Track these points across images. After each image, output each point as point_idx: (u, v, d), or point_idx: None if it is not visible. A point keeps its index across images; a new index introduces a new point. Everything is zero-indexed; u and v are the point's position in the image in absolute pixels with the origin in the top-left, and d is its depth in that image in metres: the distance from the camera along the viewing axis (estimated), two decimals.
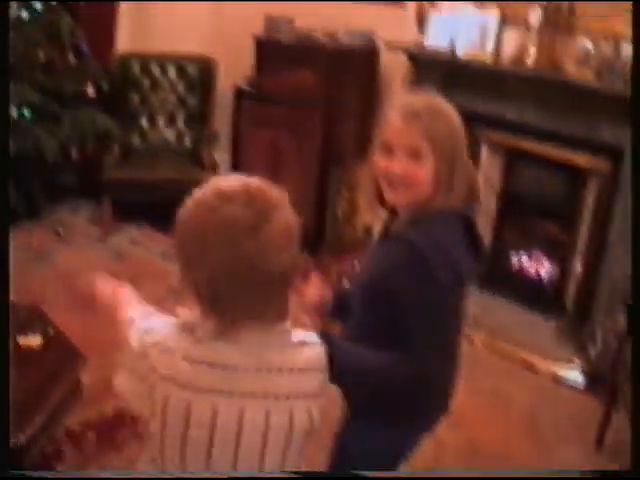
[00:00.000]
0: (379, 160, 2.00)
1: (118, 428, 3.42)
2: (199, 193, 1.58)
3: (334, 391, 1.84)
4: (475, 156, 4.62)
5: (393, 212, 2.11)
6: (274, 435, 1.60)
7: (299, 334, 1.67)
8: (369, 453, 2.14)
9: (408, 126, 1.93)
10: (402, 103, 2.01)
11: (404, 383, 1.91)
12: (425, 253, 1.88)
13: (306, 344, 1.67)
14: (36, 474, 2.39)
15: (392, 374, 1.92)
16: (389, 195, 2.01)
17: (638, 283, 2.34)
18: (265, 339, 1.59)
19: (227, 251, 1.48)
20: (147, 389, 1.55)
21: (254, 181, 1.62)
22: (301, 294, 2.26)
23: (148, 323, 1.68)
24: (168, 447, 1.58)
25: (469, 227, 2.02)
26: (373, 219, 5.25)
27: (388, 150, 1.97)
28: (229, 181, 1.59)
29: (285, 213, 1.58)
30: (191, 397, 1.53)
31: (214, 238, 1.48)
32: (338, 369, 1.73)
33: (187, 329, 1.58)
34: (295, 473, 1.67)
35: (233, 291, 1.51)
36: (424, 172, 1.93)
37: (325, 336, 1.76)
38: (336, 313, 2.31)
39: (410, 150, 1.93)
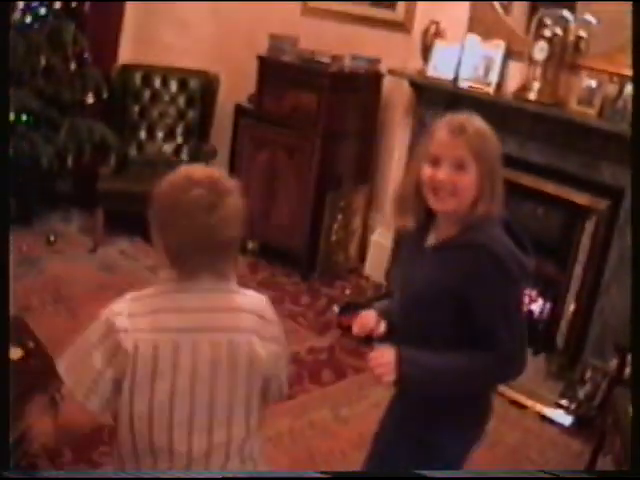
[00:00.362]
0: (426, 171, 2.18)
1: (95, 445, 3.37)
2: (173, 177, 2.00)
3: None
4: None
5: (427, 221, 2.29)
6: (223, 363, 1.98)
7: (243, 290, 2.11)
8: (456, 453, 2.37)
9: (454, 139, 2.14)
10: (448, 120, 2.21)
11: (504, 380, 2.33)
12: (501, 256, 2.11)
13: (247, 294, 2.11)
14: (36, 474, 2.34)
15: (495, 374, 2.25)
16: (434, 203, 2.18)
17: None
18: (215, 287, 2.03)
19: (192, 222, 1.92)
20: (112, 350, 1.91)
21: (215, 171, 2.05)
22: (355, 327, 2.48)
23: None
24: (138, 402, 1.93)
25: (510, 230, 2.24)
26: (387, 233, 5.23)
27: (435, 161, 2.16)
28: (196, 170, 2.03)
29: (236, 198, 2.01)
30: (157, 337, 1.93)
31: (183, 212, 1.93)
32: (440, 379, 2.16)
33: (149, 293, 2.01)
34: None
35: (194, 252, 1.95)
36: (467, 181, 2.14)
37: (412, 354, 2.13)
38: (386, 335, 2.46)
39: (455, 161, 2.13)
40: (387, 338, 2.38)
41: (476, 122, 2.20)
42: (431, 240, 2.28)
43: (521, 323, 2.21)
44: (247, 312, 2.06)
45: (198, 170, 2.02)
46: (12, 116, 5.08)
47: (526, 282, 2.28)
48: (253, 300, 2.11)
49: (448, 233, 2.21)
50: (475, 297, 2.12)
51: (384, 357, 2.15)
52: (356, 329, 2.46)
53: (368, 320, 2.45)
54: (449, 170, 2.13)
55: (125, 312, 1.94)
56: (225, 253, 2.02)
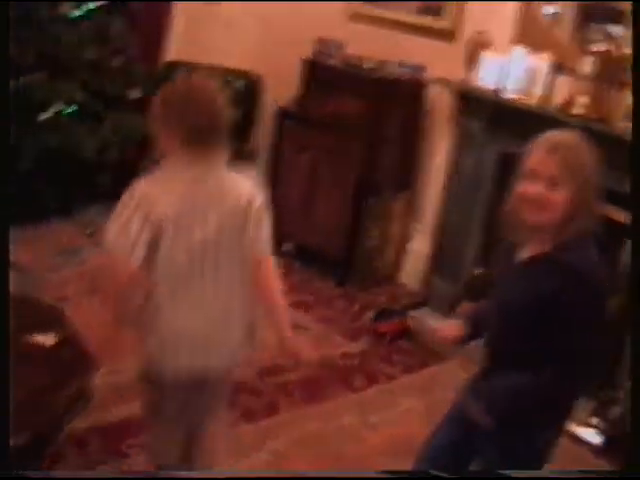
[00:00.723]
0: (522, 186, 2.29)
1: (124, 436, 3.39)
2: (180, 81, 2.57)
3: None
4: None
5: (526, 236, 2.37)
6: (225, 228, 2.50)
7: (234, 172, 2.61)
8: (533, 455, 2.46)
9: (548, 157, 2.23)
10: (545, 137, 2.31)
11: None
12: (590, 274, 2.20)
13: (239, 175, 2.64)
14: (36, 474, 2.36)
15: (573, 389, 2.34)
16: (526, 216, 2.28)
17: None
18: (216, 164, 2.53)
19: (199, 112, 2.44)
20: (146, 218, 2.35)
21: (210, 82, 2.58)
22: (439, 333, 2.75)
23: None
24: (165, 257, 2.41)
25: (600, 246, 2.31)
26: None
27: (532, 177, 2.26)
28: (195, 78, 2.58)
29: (225, 98, 2.56)
30: (180, 204, 2.41)
31: (198, 102, 2.46)
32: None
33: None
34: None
35: (204, 133, 2.45)
36: (559, 198, 2.22)
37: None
38: (470, 338, 2.66)
39: (548, 178, 2.22)
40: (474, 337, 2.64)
41: (573, 140, 2.31)
42: (525, 254, 2.36)
43: (596, 341, 2.28)
44: (243, 187, 2.60)
45: (198, 79, 2.58)
46: (58, 107, 5.13)
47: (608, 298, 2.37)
48: (246, 180, 2.65)
49: (542, 248, 2.29)
50: (561, 314, 2.19)
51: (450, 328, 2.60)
52: (440, 337, 2.74)
53: (451, 331, 2.68)
54: (542, 186, 2.22)
55: (153, 189, 2.41)
56: (221, 137, 2.53)
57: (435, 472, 2.47)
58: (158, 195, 2.39)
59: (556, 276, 2.21)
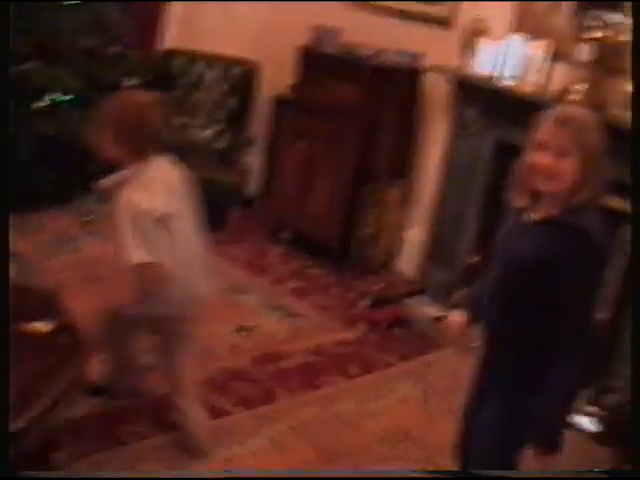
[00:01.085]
0: (532, 156, 2.39)
1: (121, 423, 3.40)
2: (128, 97, 3.18)
3: None
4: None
5: (533, 201, 2.47)
6: (190, 206, 3.18)
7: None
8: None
9: (559, 129, 2.33)
10: (555, 110, 2.42)
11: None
12: (596, 243, 2.32)
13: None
14: (36, 474, 2.36)
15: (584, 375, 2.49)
16: (538, 184, 2.39)
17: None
18: (162, 158, 3.10)
19: (149, 125, 3.00)
20: (154, 223, 2.91)
21: (149, 94, 3.21)
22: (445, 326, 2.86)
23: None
24: (172, 243, 3.00)
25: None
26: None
27: (541, 148, 2.36)
28: (139, 93, 3.33)
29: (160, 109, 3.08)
30: (169, 199, 3.01)
31: (148, 116, 3.00)
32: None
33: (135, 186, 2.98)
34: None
35: (152, 140, 3.03)
36: (567, 167, 2.32)
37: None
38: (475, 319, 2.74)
39: (558, 149, 2.32)
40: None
41: (581, 114, 2.42)
42: (535, 215, 2.45)
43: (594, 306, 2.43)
44: (179, 170, 3.18)
45: (140, 93, 3.31)
46: (55, 95, 5.11)
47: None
48: (171, 162, 3.17)
49: (552, 212, 2.39)
50: (566, 274, 2.33)
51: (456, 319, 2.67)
52: (447, 330, 2.84)
53: (457, 324, 2.79)
54: (551, 156, 2.33)
55: (146, 199, 2.89)
56: (159, 138, 3.06)
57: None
58: (154, 201, 2.92)
59: (567, 237, 2.33)
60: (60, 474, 2.88)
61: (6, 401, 2.07)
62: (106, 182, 3.09)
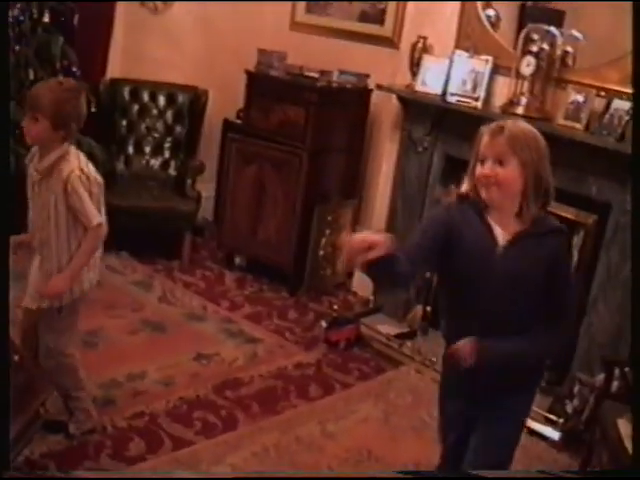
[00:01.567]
0: (477, 169, 2.48)
1: (81, 459, 3.35)
2: (58, 83, 3.31)
3: None
4: None
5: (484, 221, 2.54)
6: None
7: None
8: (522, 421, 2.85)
9: (494, 139, 2.43)
10: (491, 125, 2.50)
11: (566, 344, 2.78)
12: (567, 236, 2.64)
13: None
14: (36, 474, 2.31)
15: (560, 341, 2.68)
16: (484, 194, 2.47)
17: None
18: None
19: (81, 106, 3.22)
20: (97, 189, 3.25)
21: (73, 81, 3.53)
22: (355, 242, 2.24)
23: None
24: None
25: None
26: None
27: (481, 160, 2.46)
28: (66, 81, 3.47)
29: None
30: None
31: (79, 100, 3.20)
32: (515, 359, 2.55)
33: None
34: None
35: (79, 122, 3.23)
36: (508, 173, 2.42)
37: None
38: (383, 268, 2.27)
39: (496, 157, 2.42)
40: (381, 266, 2.23)
41: (516, 124, 2.50)
42: (504, 237, 2.52)
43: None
44: None
45: (65, 79, 3.64)
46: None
47: None
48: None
49: (519, 227, 2.51)
50: (557, 274, 2.51)
51: (466, 347, 2.47)
52: (355, 243, 2.21)
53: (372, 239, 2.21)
54: (491, 165, 2.42)
55: (91, 170, 3.25)
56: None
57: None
58: (95, 172, 3.26)
59: (552, 241, 2.51)
60: (60, 474, 2.83)
61: (6, 401, 2.02)
62: (44, 163, 3.20)
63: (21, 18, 5.23)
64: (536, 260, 2.50)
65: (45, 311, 3.28)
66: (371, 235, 2.21)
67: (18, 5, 5.18)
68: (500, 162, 2.43)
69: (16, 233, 3.28)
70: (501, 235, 2.51)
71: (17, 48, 5.20)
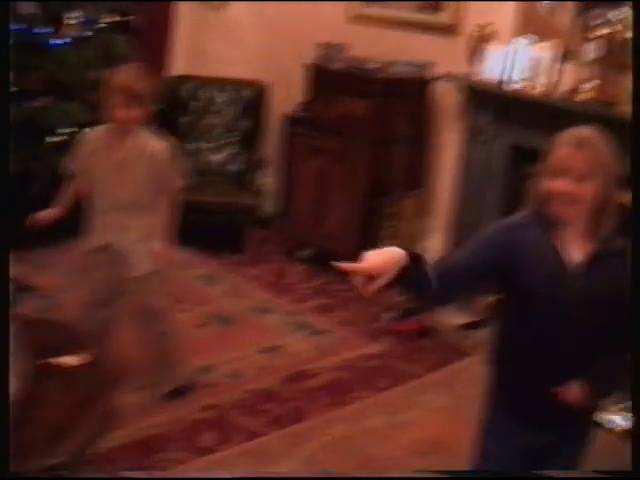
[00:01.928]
0: (549, 183, 2.34)
1: (155, 451, 3.41)
2: (133, 69, 3.62)
3: None
4: (523, 192, 4.55)
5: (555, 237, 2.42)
6: None
7: None
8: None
9: (575, 153, 2.31)
10: (570, 134, 2.39)
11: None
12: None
13: None
14: (36, 475, 2.36)
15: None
16: (561, 212, 2.36)
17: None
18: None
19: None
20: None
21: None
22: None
23: None
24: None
25: None
26: None
27: (559, 173, 2.32)
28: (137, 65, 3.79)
29: None
30: None
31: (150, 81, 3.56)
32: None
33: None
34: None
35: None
36: (587, 191, 2.30)
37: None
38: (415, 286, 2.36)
39: (577, 173, 2.29)
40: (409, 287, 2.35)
41: (596, 136, 2.38)
42: (577, 255, 2.40)
43: None
44: None
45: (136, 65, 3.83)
46: (66, 130, 5.14)
47: None
48: None
49: (590, 246, 2.39)
50: (622, 293, 2.34)
51: (573, 391, 2.44)
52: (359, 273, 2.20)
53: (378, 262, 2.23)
54: (570, 181, 2.30)
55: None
56: None
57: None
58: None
59: (622, 262, 2.35)
60: (59, 474, 2.88)
61: (6, 401, 2.07)
62: (129, 143, 3.57)
63: (85, 19, 5.31)
64: (609, 280, 2.40)
65: (146, 277, 3.65)
66: (372, 260, 2.23)
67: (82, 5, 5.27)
68: (582, 178, 2.30)
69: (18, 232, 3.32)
70: (574, 254, 2.40)
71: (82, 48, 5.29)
